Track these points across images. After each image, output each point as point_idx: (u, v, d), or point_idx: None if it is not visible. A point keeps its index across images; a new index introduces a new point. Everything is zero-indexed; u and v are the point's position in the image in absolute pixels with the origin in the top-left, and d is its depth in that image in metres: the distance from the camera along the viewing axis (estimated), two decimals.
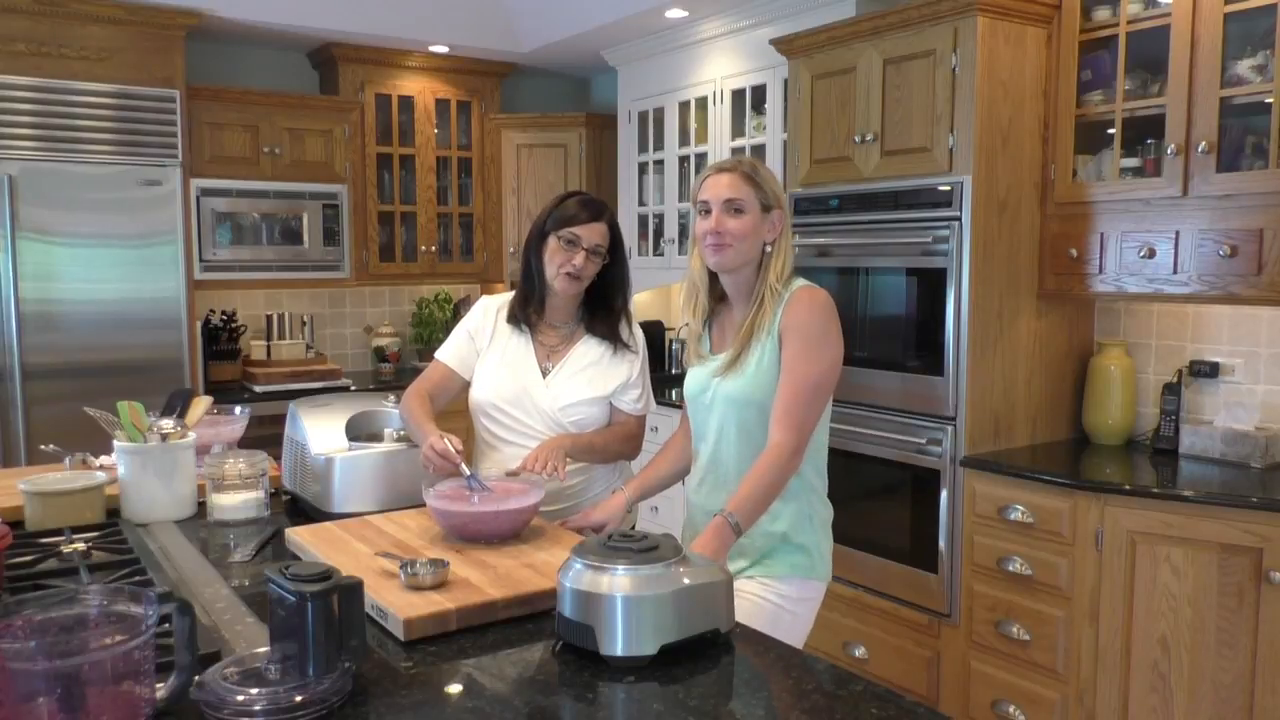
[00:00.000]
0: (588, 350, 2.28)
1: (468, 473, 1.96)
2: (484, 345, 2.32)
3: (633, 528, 2.28)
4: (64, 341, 3.95)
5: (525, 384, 2.25)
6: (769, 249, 1.95)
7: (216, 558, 1.85)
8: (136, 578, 1.63)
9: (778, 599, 1.91)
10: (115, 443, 2.11)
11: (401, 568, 1.59)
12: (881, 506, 3.32)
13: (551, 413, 2.23)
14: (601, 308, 2.30)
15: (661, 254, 4.73)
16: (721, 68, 4.33)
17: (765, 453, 1.87)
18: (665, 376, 4.87)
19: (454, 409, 2.38)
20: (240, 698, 1.16)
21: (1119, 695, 2.71)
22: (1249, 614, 2.49)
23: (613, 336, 2.29)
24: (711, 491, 2.01)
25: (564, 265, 2.19)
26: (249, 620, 1.51)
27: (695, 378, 2.04)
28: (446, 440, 2.00)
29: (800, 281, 1.96)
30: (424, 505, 2.11)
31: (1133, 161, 2.99)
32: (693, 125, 4.52)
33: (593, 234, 2.19)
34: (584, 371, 2.26)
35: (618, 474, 2.34)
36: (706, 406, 2.00)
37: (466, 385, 2.35)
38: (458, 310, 5.46)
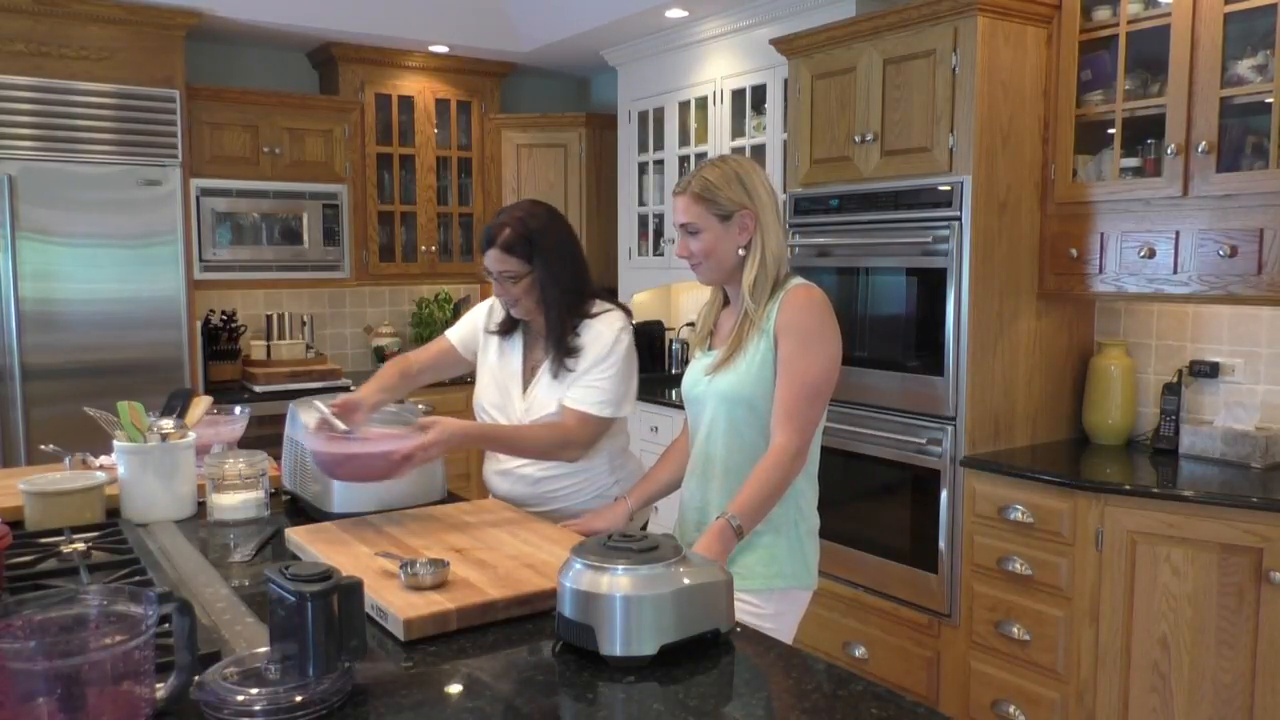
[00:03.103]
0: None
1: (343, 427, 2.02)
2: (484, 342, 2.35)
3: (644, 526, 2.28)
4: (64, 341, 3.95)
5: (509, 394, 2.27)
6: (742, 253, 1.95)
7: (216, 558, 1.85)
8: (136, 578, 1.63)
9: (756, 619, 1.87)
10: (115, 443, 2.11)
11: (401, 568, 1.59)
12: (881, 506, 3.32)
13: (524, 424, 2.22)
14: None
15: (661, 254, 4.73)
16: (721, 68, 4.33)
17: (767, 455, 1.86)
18: (665, 376, 4.88)
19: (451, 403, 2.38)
20: (240, 698, 1.16)
21: (1119, 695, 2.71)
22: (1249, 614, 2.49)
23: (555, 355, 2.18)
24: (699, 487, 2.01)
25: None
26: (249, 620, 1.51)
27: (691, 373, 2.05)
28: (332, 409, 2.05)
29: (795, 280, 1.96)
30: (425, 505, 2.13)
31: (1133, 161, 2.99)
32: (693, 125, 4.52)
33: (492, 261, 2.14)
34: (557, 382, 2.21)
35: (612, 479, 2.30)
36: (700, 402, 2.01)
37: (466, 365, 2.39)
38: (457, 310, 5.46)
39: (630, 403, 2.22)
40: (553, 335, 2.19)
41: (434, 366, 2.38)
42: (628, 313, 2.27)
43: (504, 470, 2.28)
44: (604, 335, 2.18)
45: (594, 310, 2.22)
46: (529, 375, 2.26)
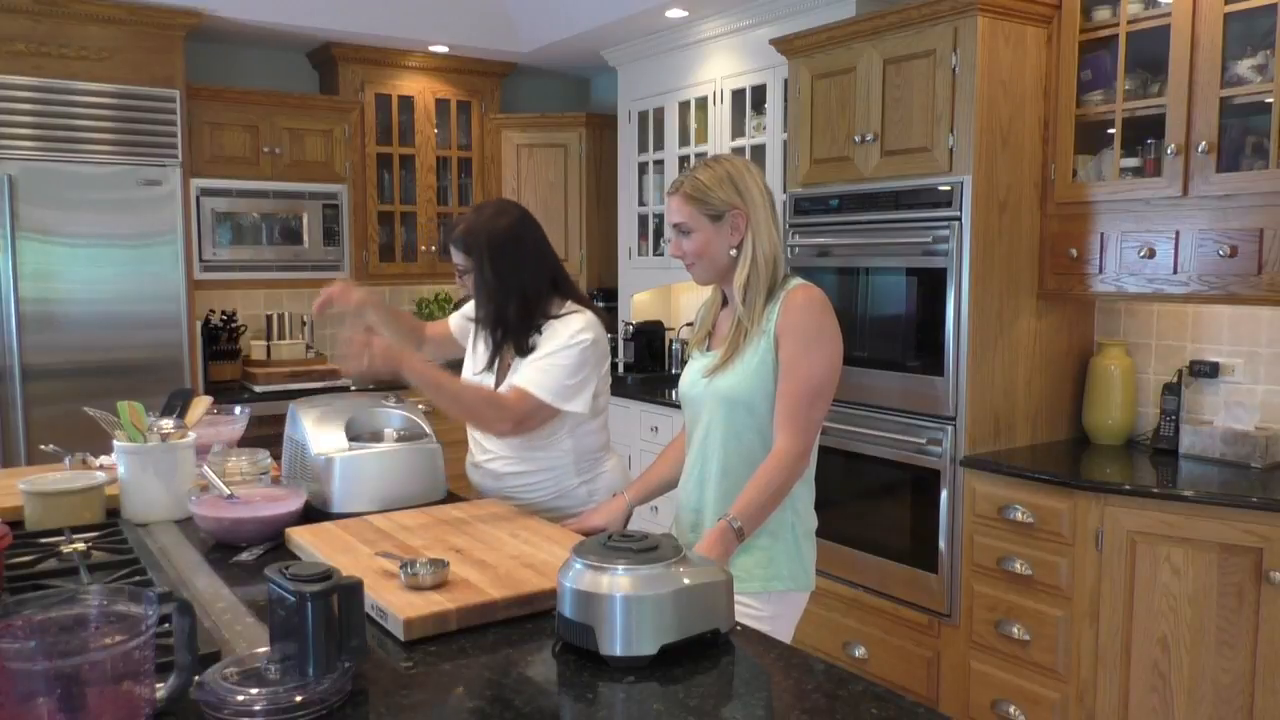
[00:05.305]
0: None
1: (227, 492, 1.99)
2: (471, 333, 2.41)
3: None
4: (64, 341, 3.95)
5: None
6: (734, 253, 1.95)
7: (217, 558, 1.85)
8: (136, 578, 1.63)
9: (753, 622, 1.87)
10: (115, 443, 2.11)
11: (401, 568, 1.59)
12: (881, 506, 3.32)
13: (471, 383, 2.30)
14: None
15: (661, 254, 4.73)
16: (721, 68, 4.33)
17: (770, 457, 1.86)
18: (665, 376, 4.88)
19: None
20: (240, 698, 1.16)
21: (1119, 695, 2.71)
22: (1249, 614, 2.49)
23: (495, 345, 2.27)
24: (695, 489, 2.01)
25: None
26: (249, 620, 1.51)
27: (689, 374, 2.05)
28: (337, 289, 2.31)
29: (795, 281, 1.96)
30: (424, 505, 2.12)
31: (1133, 161, 2.99)
32: (693, 125, 4.52)
33: (453, 256, 2.26)
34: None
35: (578, 479, 2.27)
36: (698, 403, 2.00)
37: (460, 350, 2.50)
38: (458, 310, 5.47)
39: (581, 400, 2.16)
40: (485, 329, 2.26)
41: (436, 342, 2.58)
42: (601, 317, 2.26)
43: (476, 463, 2.35)
44: (560, 333, 2.17)
45: (557, 311, 2.23)
46: (503, 374, 2.27)
